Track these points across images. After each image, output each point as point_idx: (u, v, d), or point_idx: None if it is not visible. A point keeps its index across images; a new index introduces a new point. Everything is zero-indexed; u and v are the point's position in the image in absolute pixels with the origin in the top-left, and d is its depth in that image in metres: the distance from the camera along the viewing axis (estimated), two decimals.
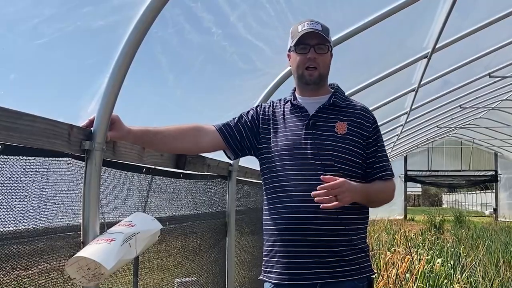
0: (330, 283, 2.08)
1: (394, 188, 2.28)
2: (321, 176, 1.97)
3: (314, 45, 2.14)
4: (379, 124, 2.30)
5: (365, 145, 2.17)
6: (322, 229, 2.07)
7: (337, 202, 1.94)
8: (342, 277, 2.09)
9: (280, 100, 2.33)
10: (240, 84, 3.78)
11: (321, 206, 1.94)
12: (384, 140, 2.28)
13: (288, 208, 2.11)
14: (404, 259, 6.26)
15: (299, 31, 2.14)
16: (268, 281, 2.19)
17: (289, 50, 2.22)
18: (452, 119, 14.36)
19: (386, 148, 2.30)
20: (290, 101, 2.26)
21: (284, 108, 2.26)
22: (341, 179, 1.97)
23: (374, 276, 2.30)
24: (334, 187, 1.94)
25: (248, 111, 2.31)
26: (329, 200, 1.94)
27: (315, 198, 1.94)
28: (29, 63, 1.97)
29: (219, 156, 2.91)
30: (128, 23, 1.81)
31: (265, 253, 2.22)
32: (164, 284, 2.49)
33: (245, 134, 2.25)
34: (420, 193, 50.29)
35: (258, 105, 2.34)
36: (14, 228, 1.50)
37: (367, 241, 2.25)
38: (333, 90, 2.25)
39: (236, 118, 2.29)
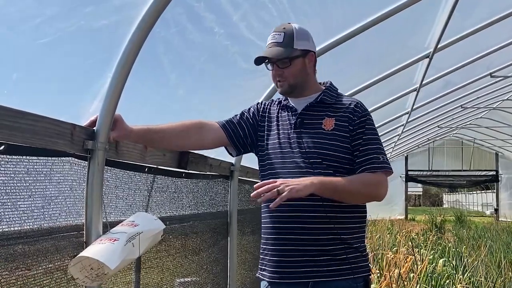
0: (322, 282, 2.08)
1: (379, 181, 2.11)
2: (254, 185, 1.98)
3: (275, 62, 2.15)
4: (380, 124, 2.29)
5: (351, 139, 2.14)
6: (312, 228, 2.07)
7: (284, 194, 1.92)
8: (334, 276, 2.08)
9: (278, 99, 2.35)
10: (242, 84, 3.78)
11: (270, 206, 1.95)
12: (385, 140, 2.26)
13: (278, 207, 2.11)
14: (406, 259, 6.25)
15: (266, 44, 2.18)
16: (263, 279, 2.21)
17: None
18: (453, 119, 14.36)
19: (383, 146, 2.23)
20: (283, 101, 2.28)
21: (279, 107, 2.29)
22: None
23: (371, 276, 2.28)
24: (267, 183, 1.95)
25: (249, 108, 2.33)
26: (271, 195, 1.93)
27: (258, 199, 1.95)
28: (32, 63, 1.96)
29: (221, 155, 2.91)
30: (130, 23, 1.80)
31: (260, 251, 2.24)
32: (165, 284, 2.48)
33: (247, 131, 2.27)
34: (421, 193, 50.21)
35: (259, 102, 2.36)
36: (20, 228, 1.49)
37: (368, 241, 2.24)
38: (324, 88, 2.25)
39: (238, 115, 2.30)
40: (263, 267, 2.20)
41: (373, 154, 2.12)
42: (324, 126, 2.15)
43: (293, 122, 2.19)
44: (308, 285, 2.09)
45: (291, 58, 2.14)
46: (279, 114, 2.26)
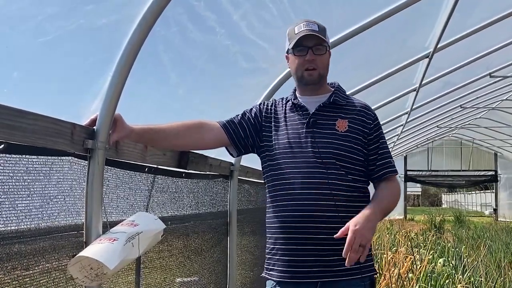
0: (331, 282, 2.08)
1: (399, 187, 2.28)
2: (334, 236, 1.96)
3: (311, 47, 2.14)
4: None
5: (366, 142, 2.17)
6: (323, 227, 2.07)
7: (365, 250, 1.93)
8: (343, 276, 2.08)
9: (282, 98, 2.33)
10: (243, 84, 3.77)
11: (360, 259, 1.93)
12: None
13: (290, 206, 2.12)
14: (406, 259, 6.25)
15: (295, 32, 2.14)
16: (270, 279, 2.19)
17: (287, 52, 2.22)
18: (452, 119, 14.38)
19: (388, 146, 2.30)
20: (291, 100, 2.26)
21: (285, 107, 2.27)
22: (349, 229, 1.94)
23: (376, 275, 2.29)
24: (351, 242, 1.91)
25: (251, 109, 2.31)
26: (359, 253, 1.92)
27: (349, 265, 1.93)
28: (32, 61, 1.95)
29: (222, 155, 2.90)
30: (130, 22, 1.80)
31: (267, 251, 2.22)
32: (166, 284, 2.48)
33: (248, 132, 2.25)
34: (420, 193, 50.28)
35: (261, 103, 2.34)
36: (16, 228, 1.48)
37: None
38: (333, 89, 2.25)
39: (240, 115, 2.29)
40: (271, 267, 2.19)
41: (388, 158, 2.22)
42: (338, 127, 2.16)
43: (304, 121, 2.18)
44: (317, 285, 2.09)
45: (327, 46, 2.18)
46: (287, 114, 2.24)
